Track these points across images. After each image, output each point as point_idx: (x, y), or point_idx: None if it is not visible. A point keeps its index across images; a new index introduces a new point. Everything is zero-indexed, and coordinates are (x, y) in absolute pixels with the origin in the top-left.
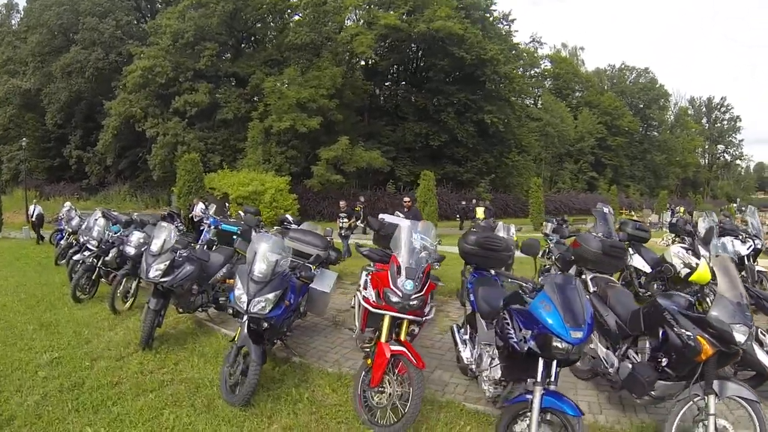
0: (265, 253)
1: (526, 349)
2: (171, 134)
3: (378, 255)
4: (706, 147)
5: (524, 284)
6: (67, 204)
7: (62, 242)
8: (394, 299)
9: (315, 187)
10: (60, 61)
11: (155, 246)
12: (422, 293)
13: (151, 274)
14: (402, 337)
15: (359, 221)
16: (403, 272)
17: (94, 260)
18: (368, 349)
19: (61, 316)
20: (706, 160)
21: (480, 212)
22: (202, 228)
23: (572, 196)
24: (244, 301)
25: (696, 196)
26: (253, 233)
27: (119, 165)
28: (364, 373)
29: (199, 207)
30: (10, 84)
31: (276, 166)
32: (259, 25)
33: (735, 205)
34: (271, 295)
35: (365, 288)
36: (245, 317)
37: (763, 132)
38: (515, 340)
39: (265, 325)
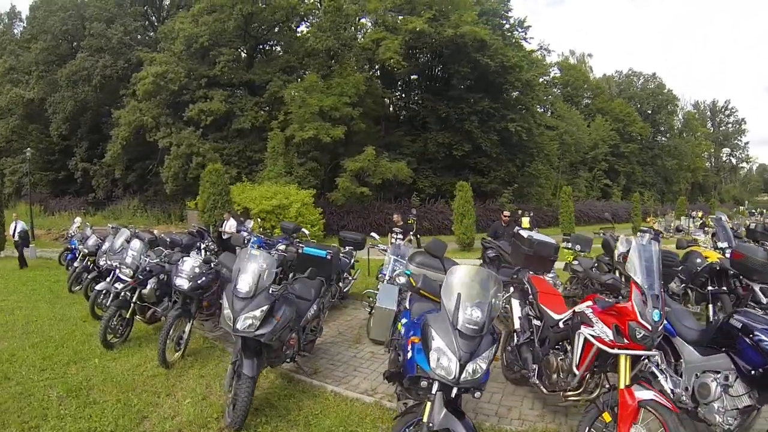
0: (477, 294)
1: None
2: (185, 144)
3: (618, 283)
4: (712, 151)
5: None
6: (78, 219)
7: (76, 264)
8: (642, 334)
9: (338, 200)
10: (65, 68)
11: (245, 284)
12: (664, 322)
13: (243, 325)
14: (627, 380)
15: (412, 233)
16: (649, 301)
17: (128, 294)
18: (575, 399)
19: (92, 371)
20: (712, 164)
21: (525, 222)
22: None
23: (590, 204)
24: (454, 369)
25: (711, 200)
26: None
27: (127, 178)
28: (588, 428)
29: (230, 223)
30: (12, 93)
31: (298, 179)
32: (275, 30)
33: (743, 207)
34: (487, 355)
35: (586, 323)
36: (435, 385)
37: (765, 133)
38: None
39: (478, 394)
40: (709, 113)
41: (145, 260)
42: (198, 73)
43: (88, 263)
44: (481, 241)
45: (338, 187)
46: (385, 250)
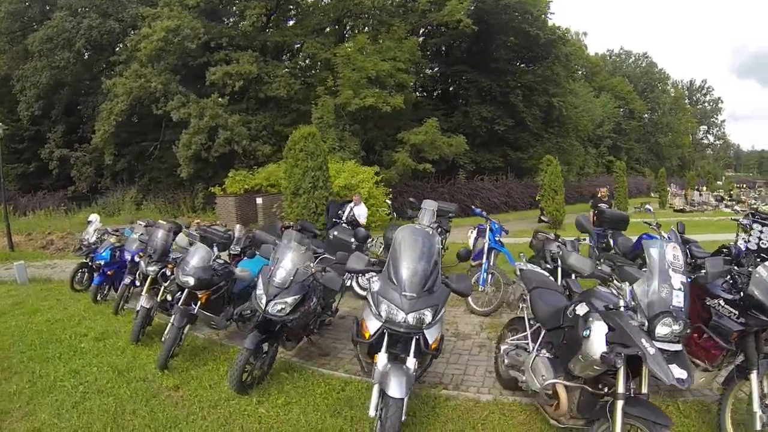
0: None
1: None
2: (208, 116)
3: None
4: (689, 128)
5: None
6: (95, 217)
7: (141, 303)
8: None
9: (392, 179)
10: (39, 32)
11: None
12: None
13: None
14: None
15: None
16: None
17: None
18: None
19: None
20: (690, 141)
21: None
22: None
23: (607, 180)
24: None
25: (708, 175)
26: None
27: (116, 165)
28: None
29: (360, 209)
30: None
31: (352, 154)
32: None
33: (720, 183)
34: None
35: None
36: None
37: (729, 111)
38: None
39: None
40: (686, 92)
41: None
42: (216, 31)
43: (183, 304)
44: None
45: (395, 163)
46: None
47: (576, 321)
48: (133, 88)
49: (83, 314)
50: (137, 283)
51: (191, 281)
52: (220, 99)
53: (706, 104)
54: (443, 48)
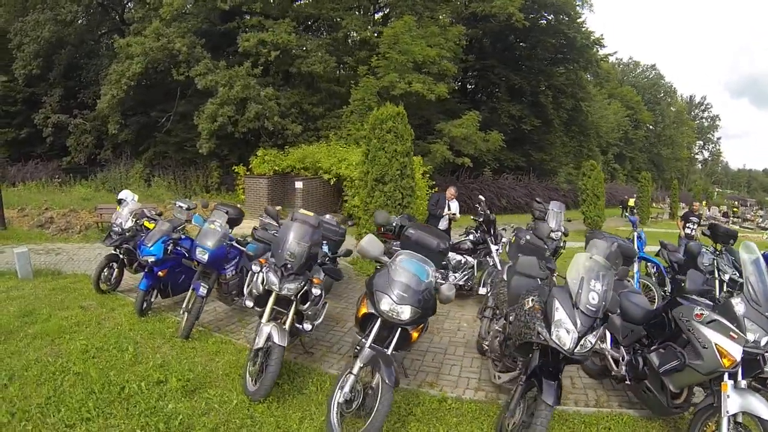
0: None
1: None
2: (240, 86)
3: None
4: (689, 142)
5: None
6: (128, 194)
7: (279, 340)
8: None
9: (429, 171)
10: None
11: None
12: None
13: None
14: None
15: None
16: None
17: None
18: None
19: None
20: (687, 155)
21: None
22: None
23: (621, 187)
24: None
25: (709, 190)
26: None
27: (119, 136)
28: None
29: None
30: None
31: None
32: None
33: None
34: None
35: None
36: None
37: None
38: None
39: None
40: (685, 107)
41: None
42: None
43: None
44: None
45: (431, 154)
46: None
47: None
48: (153, 48)
49: (132, 336)
50: (250, 303)
51: (407, 313)
52: (254, 70)
53: (704, 120)
54: (471, 41)
